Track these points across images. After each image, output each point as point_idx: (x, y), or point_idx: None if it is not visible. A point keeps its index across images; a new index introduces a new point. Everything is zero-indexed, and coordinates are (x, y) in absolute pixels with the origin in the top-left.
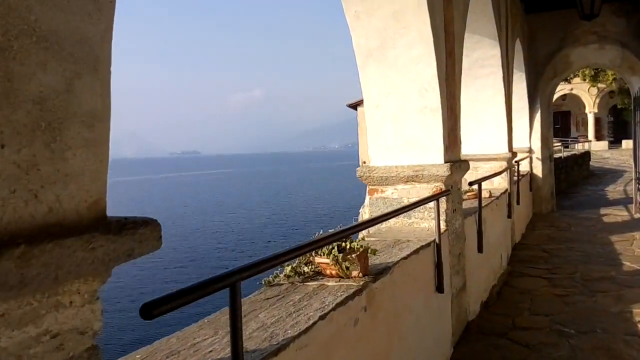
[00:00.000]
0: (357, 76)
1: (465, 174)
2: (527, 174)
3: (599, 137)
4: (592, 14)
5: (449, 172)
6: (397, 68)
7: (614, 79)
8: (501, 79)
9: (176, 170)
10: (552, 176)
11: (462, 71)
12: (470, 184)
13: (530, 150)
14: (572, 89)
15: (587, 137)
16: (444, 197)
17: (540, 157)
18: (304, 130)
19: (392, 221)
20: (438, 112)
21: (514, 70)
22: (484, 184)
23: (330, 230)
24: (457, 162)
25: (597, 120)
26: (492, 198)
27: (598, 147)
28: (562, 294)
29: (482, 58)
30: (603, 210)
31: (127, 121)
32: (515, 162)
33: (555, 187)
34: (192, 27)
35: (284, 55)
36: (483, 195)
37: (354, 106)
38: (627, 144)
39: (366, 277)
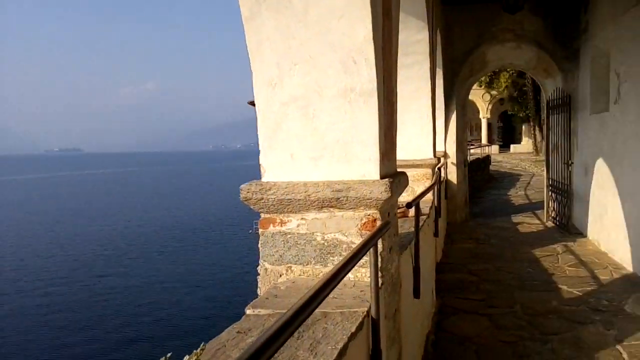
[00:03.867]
0: None
1: (403, 191)
2: (443, 180)
3: (490, 141)
4: (517, 6)
5: (389, 194)
6: (308, 23)
7: (506, 87)
8: (428, 70)
9: (51, 170)
10: (466, 182)
11: None
12: (409, 205)
13: (446, 155)
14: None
15: (480, 141)
16: (382, 236)
17: (455, 162)
18: (204, 128)
19: (296, 270)
20: (373, 98)
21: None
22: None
23: None
24: (396, 177)
25: (489, 125)
26: (424, 217)
27: (491, 151)
28: (511, 339)
29: (406, 43)
30: (514, 218)
31: None
32: (438, 168)
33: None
34: (75, 12)
35: (182, 47)
36: (413, 215)
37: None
38: (514, 148)
39: None
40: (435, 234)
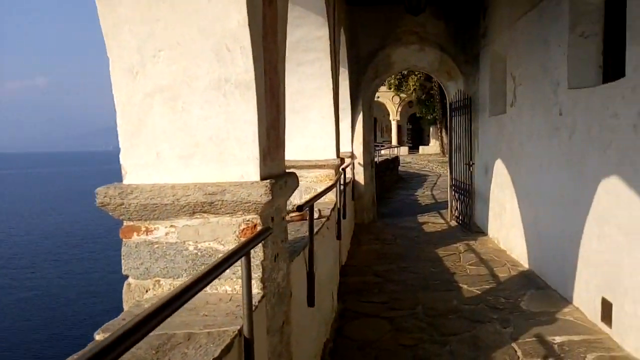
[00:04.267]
0: None
1: (292, 194)
2: (350, 181)
3: (400, 142)
4: (419, 8)
5: (269, 197)
6: (174, 4)
7: (414, 89)
8: (329, 69)
9: None
10: (373, 183)
11: None
12: (300, 208)
13: (352, 156)
14: (378, 97)
15: (391, 142)
16: (262, 243)
17: (362, 162)
18: (103, 127)
19: (165, 285)
20: (250, 90)
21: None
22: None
23: None
24: (281, 178)
25: (399, 127)
26: (323, 219)
27: (400, 152)
28: (411, 343)
29: (306, 39)
30: (420, 218)
31: None
32: (342, 169)
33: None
34: None
35: (77, 40)
36: None
37: None
38: (423, 149)
39: None
40: (338, 237)
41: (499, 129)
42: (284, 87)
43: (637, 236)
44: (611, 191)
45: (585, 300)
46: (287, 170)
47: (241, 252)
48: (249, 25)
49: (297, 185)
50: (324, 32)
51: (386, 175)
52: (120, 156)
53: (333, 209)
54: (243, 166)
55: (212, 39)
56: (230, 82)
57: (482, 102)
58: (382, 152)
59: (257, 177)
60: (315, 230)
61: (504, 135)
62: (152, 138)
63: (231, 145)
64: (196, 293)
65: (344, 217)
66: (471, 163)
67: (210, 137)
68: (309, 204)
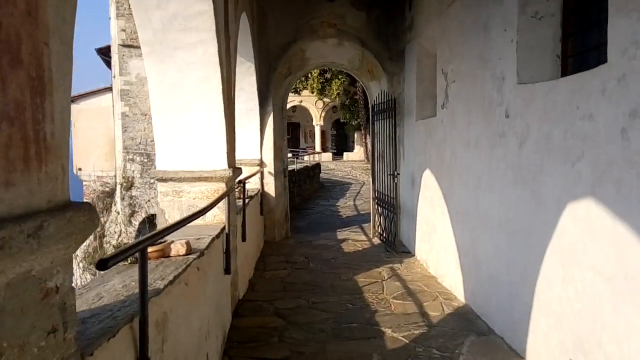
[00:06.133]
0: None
1: (81, 242)
2: (257, 193)
3: (324, 148)
4: None
5: None
6: None
7: (338, 94)
8: (216, 54)
9: None
10: (286, 194)
11: (154, 33)
12: (102, 265)
13: (262, 164)
14: (301, 101)
15: (314, 148)
16: None
17: (273, 171)
18: None
19: None
20: None
21: (242, 60)
22: (182, 231)
23: None
24: (23, 222)
25: (323, 133)
26: (193, 256)
27: (324, 159)
28: None
29: (184, 15)
30: (340, 234)
31: None
32: (239, 182)
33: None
34: None
35: None
36: (178, 253)
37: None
38: (347, 156)
39: None
40: (227, 271)
41: (427, 135)
42: (65, 51)
43: (627, 286)
44: (583, 219)
45: (544, 358)
46: (84, 205)
47: None
48: None
49: (91, 231)
50: (207, 6)
51: (305, 184)
52: None
53: (218, 236)
54: None
55: None
56: None
57: (408, 104)
58: (305, 158)
59: None
60: (170, 278)
61: (434, 142)
62: None
63: None
64: None
65: (244, 240)
66: (396, 173)
67: None
68: (135, 249)
